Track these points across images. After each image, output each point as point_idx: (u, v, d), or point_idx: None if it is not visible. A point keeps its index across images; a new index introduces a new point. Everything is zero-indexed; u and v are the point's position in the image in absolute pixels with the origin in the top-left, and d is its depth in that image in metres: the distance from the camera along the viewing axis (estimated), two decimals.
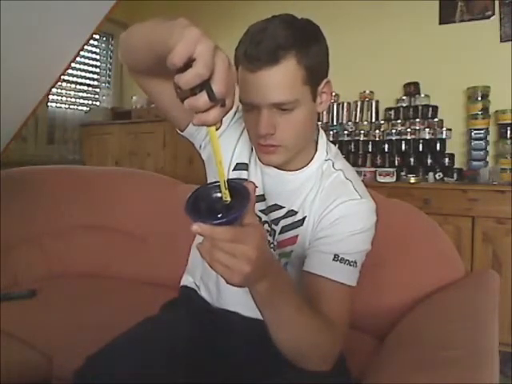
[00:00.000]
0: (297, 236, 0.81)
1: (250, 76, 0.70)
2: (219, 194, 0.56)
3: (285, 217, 0.82)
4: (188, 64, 0.45)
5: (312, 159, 0.82)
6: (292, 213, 0.82)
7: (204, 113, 0.47)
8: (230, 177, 0.85)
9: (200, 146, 0.89)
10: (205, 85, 0.45)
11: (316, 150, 0.83)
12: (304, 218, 0.80)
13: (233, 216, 0.52)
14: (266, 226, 0.84)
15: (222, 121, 0.50)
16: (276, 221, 0.83)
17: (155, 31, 0.57)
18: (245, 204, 0.54)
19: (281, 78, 0.69)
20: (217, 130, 0.51)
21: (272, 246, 0.84)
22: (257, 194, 0.81)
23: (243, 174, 0.85)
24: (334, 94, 2.64)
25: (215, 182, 0.57)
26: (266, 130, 0.72)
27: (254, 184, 0.57)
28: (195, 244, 0.97)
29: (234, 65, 0.75)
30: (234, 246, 0.52)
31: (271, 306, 0.63)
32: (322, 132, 0.86)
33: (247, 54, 0.69)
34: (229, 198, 0.55)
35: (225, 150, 0.86)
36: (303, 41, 0.70)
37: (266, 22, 0.72)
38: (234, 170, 0.86)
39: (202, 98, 0.46)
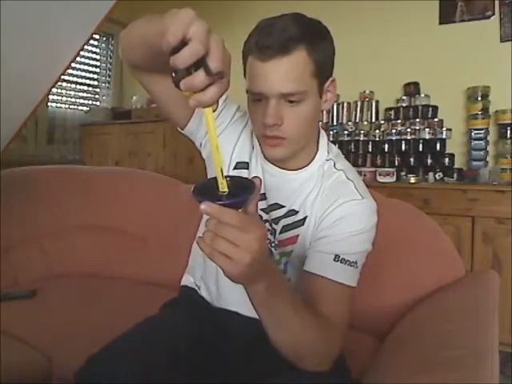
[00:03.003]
0: (297, 236, 0.81)
1: (261, 65, 0.70)
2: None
3: (285, 216, 0.82)
4: (183, 46, 0.45)
5: (313, 159, 0.82)
6: (292, 212, 0.82)
7: (200, 92, 0.47)
8: None
9: (200, 145, 0.89)
10: (201, 62, 0.45)
11: (317, 149, 0.83)
12: (305, 218, 0.80)
13: (241, 199, 0.52)
14: (267, 224, 0.84)
15: (218, 102, 0.50)
16: (276, 220, 0.83)
17: (149, 24, 0.57)
18: (251, 192, 0.53)
19: (291, 69, 0.69)
20: (214, 111, 0.51)
21: (273, 245, 0.84)
22: None
23: (244, 173, 0.85)
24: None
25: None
26: (274, 120, 0.72)
27: (260, 179, 0.58)
28: (196, 244, 0.97)
29: (243, 56, 0.75)
30: (238, 233, 0.52)
31: (269, 306, 0.63)
32: (323, 132, 0.86)
33: (259, 44, 0.70)
34: (226, 189, 0.54)
35: (225, 148, 0.85)
36: (313, 36, 0.71)
37: (276, 18, 0.73)
38: (235, 168, 0.86)
39: (199, 76, 0.45)
